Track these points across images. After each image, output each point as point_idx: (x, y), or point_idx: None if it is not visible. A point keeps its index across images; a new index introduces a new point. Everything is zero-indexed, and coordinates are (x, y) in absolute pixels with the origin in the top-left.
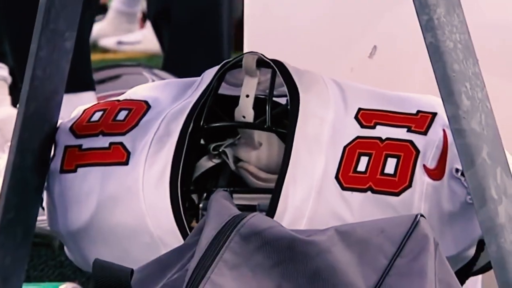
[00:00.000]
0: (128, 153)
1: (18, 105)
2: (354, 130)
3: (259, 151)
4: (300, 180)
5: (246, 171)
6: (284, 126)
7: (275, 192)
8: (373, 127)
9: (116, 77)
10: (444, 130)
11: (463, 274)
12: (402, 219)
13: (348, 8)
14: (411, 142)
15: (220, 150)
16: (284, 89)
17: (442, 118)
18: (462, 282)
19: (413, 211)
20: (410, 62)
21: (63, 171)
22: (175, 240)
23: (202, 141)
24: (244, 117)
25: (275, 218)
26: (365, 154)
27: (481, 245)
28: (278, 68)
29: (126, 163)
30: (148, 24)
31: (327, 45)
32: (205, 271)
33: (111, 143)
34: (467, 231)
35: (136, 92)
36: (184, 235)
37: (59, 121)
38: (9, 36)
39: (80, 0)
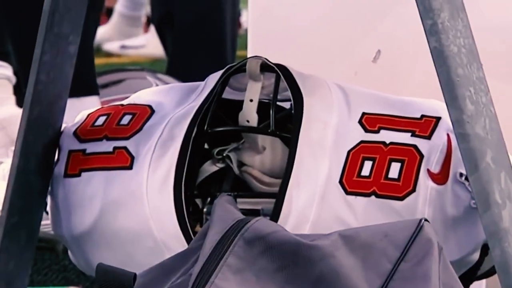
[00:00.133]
0: (132, 158)
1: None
2: (358, 135)
3: (263, 155)
4: (304, 185)
5: (250, 175)
6: (288, 130)
7: (279, 197)
8: (377, 132)
9: (120, 81)
10: (448, 135)
11: (467, 278)
12: (406, 223)
13: (352, 12)
14: (415, 146)
15: (224, 155)
16: (288, 93)
17: (446, 122)
18: (466, 287)
19: (417, 215)
20: (413, 66)
21: (67, 175)
22: (179, 244)
23: (206, 146)
24: (248, 121)
25: (279, 222)
26: (369, 159)
27: (485, 249)
28: (282, 73)
29: (130, 167)
30: (152, 28)
31: (331, 49)
32: (209, 275)
33: (115, 148)
34: (471, 236)
35: (140, 97)
36: (188, 239)
37: (63, 126)
38: (12, 39)
39: (84, 4)
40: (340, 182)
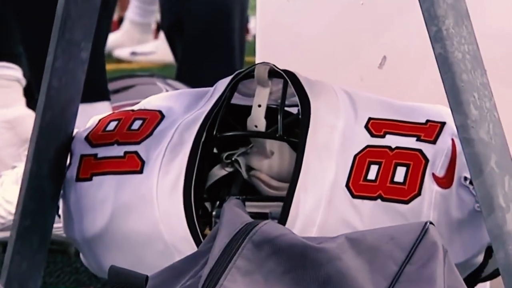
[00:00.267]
0: (143, 162)
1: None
2: (364, 139)
3: (271, 159)
4: (311, 188)
5: (258, 179)
6: (295, 135)
7: (287, 200)
8: (383, 136)
9: (130, 87)
10: (452, 139)
11: (472, 280)
12: (412, 226)
13: (358, 18)
14: (420, 151)
15: (233, 159)
16: (296, 99)
17: (450, 127)
18: None
19: (422, 218)
20: (418, 72)
21: (78, 179)
22: (188, 247)
23: (215, 150)
24: (256, 126)
25: (286, 225)
26: (375, 163)
27: (489, 252)
28: (289, 78)
29: (140, 171)
30: (162, 35)
31: (337, 55)
32: (218, 277)
33: (126, 152)
34: (475, 238)
35: (150, 102)
36: (197, 242)
37: (75, 131)
38: (25, 44)
39: (96, 10)
40: (347, 186)
